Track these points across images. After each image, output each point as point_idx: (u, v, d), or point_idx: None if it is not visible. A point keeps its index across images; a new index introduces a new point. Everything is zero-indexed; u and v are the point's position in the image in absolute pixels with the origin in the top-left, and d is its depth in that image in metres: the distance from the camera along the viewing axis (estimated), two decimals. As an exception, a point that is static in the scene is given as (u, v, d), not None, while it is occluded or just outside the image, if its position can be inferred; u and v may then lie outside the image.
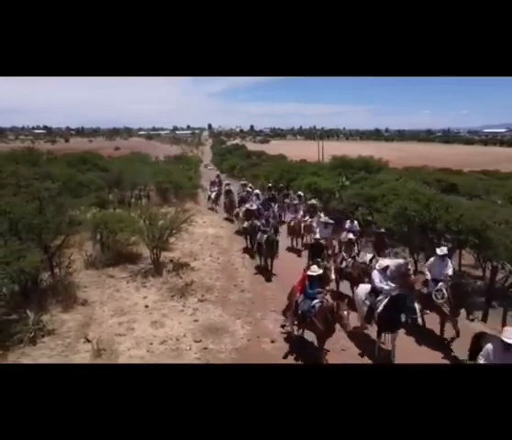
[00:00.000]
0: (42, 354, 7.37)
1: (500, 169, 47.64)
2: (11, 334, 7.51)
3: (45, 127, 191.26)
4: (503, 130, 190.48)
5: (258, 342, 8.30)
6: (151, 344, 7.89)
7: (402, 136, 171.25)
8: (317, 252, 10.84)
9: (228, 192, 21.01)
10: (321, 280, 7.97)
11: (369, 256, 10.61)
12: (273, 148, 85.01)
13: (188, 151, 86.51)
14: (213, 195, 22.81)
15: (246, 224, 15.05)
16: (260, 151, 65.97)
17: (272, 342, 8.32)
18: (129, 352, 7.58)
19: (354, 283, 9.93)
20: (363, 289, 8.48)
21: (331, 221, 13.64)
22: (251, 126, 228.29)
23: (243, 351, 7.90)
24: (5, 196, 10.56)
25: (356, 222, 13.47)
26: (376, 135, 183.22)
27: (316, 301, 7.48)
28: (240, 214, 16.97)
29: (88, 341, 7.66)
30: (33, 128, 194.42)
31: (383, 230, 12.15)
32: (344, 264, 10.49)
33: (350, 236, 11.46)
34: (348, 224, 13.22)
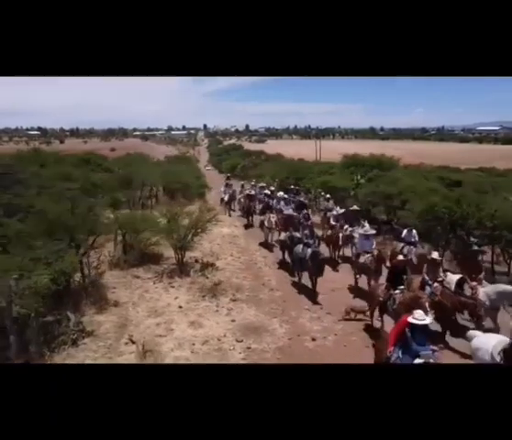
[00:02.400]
0: (86, 356, 7.27)
1: (495, 166, 48.22)
2: (55, 336, 7.38)
3: (39, 129, 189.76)
4: (496, 128, 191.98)
5: (299, 341, 8.25)
6: (194, 344, 7.81)
7: (397, 134, 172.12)
8: (399, 277, 8.29)
9: (249, 197, 19.05)
10: (427, 331, 5.69)
11: (454, 278, 8.43)
12: (270, 147, 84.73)
13: (185, 152, 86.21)
14: (226, 198, 21.50)
15: (283, 235, 13.09)
16: (259, 151, 65.79)
17: (314, 340, 8.27)
18: (173, 353, 7.50)
19: (447, 322, 8.04)
20: (495, 341, 5.95)
21: (372, 231, 11.77)
22: (247, 126, 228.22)
23: (287, 350, 7.85)
24: (30, 197, 10.48)
25: (415, 231, 11.49)
26: (371, 133, 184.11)
27: (422, 360, 5.31)
28: (266, 223, 14.96)
29: (133, 342, 7.57)
30: (27, 130, 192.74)
31: (473, 240, 10.38)
32: (428, 291, 8.17)
33: (435, 254, 8.95)
34: (405, 233, 11.55)
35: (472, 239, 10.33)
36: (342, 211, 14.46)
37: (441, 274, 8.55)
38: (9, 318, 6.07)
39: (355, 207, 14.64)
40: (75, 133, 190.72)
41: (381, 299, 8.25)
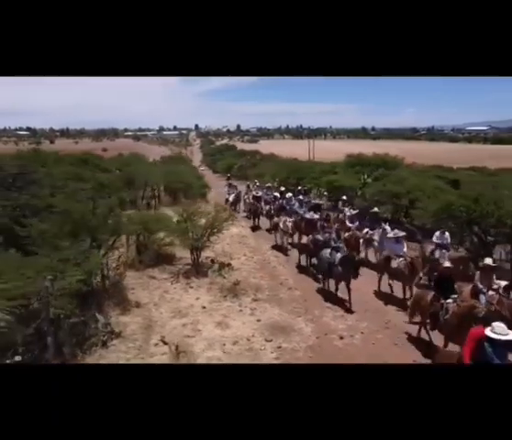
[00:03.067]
0: (118, 357, 7.17)
1: (486, 165, 48.92)
2: (85, 337, 7.28)
3: (28, 129, 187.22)
4: (485, 128, 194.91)
5: (327, 339, 8.25)
6: (224, 345, 7.76)
7: (388, 134, 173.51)
8: (447, 285, 7.61)
9: (256, 198, 18.72)
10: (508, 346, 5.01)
11: (501, 283, 7.74)
12: (263, 147, 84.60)
13: (179, 152, 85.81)
14: (231, 198, 21.34)
15: (305, 239, 12.54)
16: (254, 150, 65.78)
17: (341, 338, 8.28)
18: (205, 353, 7.44)
19: None
20: None
21: (402, 233, 10.99)
22: (238, 126, 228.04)
23: (317, 349, 7.84)
24: (46, 197, 10.34)
25: (447, 233, 10.80)
26: (363, 133, 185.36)
27: None
28: (281, 226, 14.28)
29: (165, 343, 7.49)
30: (16, 130, 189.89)
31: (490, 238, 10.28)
32: (483, 300, 7.42)
33: (488, 261, 8.08)
34: (437, 236, 10.78)
35: (489, 238, 10.38)
36: (355, 212, 14.09)
37: (496, 281, 7.77)
38: (47, 320, 5.96)
39: (375, 209, 14.00)
40: (66, 133, 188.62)
41: (431, 309, 7.60)
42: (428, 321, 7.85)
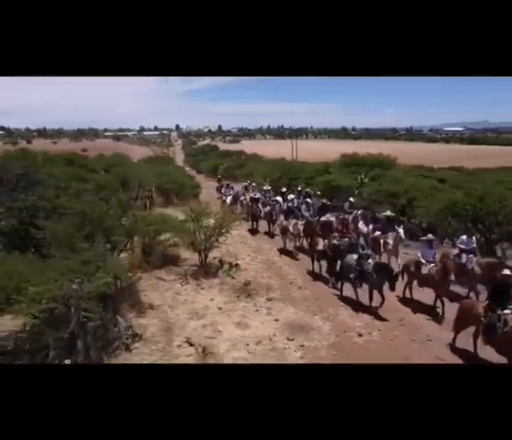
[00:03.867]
0: (142, 359, 7.08)
1: (463, 165, 50.20)
2: (109, 340, 7.16)
3: (2, 128, 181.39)
4: (460, 128, 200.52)
5: (347, 337, 8.33)
6: (247, 345, 7.75)
7: (369, 134, 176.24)
8: (504, 294, 6.96)
9: (254, 200, 18.11)
10: None
11: None
12: (246, 147, 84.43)
13: (160, 152, 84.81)
14: (228, 200, 20.67)
15: (321, 244, 11.38)
16: (239, 151, 65.67)
17: (360, 336, 8.37)
18: (230, 354, 7.42)
19: None
20: None
21: (433, 237, 10.32)
22: (219, 127, 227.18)
23: (338, 347, 7.91)
24: (51, 198, 10.11)
25: (474, 238, 10.29)
26: (344, 133, 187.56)
27: None
28: (291, 229, 13.84)
29: (191, 345, 7.44)
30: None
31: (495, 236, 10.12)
32: None
33: None
34: (463, 240, 10.14)
35: (493, 236, 10.57)
36: (360, 212, 13.44)
37: None
38: (78, 323, 5.84)
39: (388, 213, 13.18)
40: (43, 133, 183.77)
41: (483, 319, 6.97)
42: (480, 334, 7.11)
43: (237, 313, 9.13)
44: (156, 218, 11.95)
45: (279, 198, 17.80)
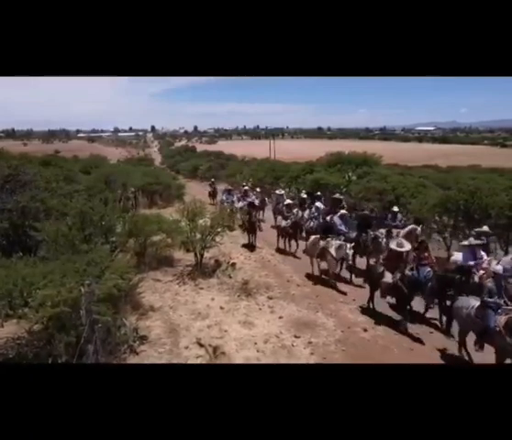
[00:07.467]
0: (151, 362, 6.91)
1: (437, 163, 51.73)
2: (116, 343, 6.94)
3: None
4: (431, 128, 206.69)
5: (352, 332, 8.37)
6: (256, 343, 7.68)
7: (344, 134, 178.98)
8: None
9: (253, 207, 15.32)
10: None
11: None
12: (223, 147, 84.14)
13: (135, 154, 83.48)
14: (239, 205, 18.54)
15: (389, 277, 8.64)
16: (219, 151, 65.46)
17: (365, 330, 8.44)
18: (240, 353, 7.33)
19: None
20: None
21: (479, 241, 8.77)
22: (195, 127, 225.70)
23: (346, 342, 7.94)
24: (45, 199, 9.79)
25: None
26: (319, 133, 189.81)
27: None
28: (334, 253, 10.59)
29: (201, 345, 7.31)
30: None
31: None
32: None
33: None
34: (507, 261, 8.03)
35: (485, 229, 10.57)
36: (412, 227, 10.87)
37: None
38: (90, 326, 5.63)
39: (395, 208, 12.47)
40: (11, 134, 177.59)
41: None
42: None
43: (240, 312, 9.04)
44: (154, 218, 11.72)
45: (295, 203, 15.20)
